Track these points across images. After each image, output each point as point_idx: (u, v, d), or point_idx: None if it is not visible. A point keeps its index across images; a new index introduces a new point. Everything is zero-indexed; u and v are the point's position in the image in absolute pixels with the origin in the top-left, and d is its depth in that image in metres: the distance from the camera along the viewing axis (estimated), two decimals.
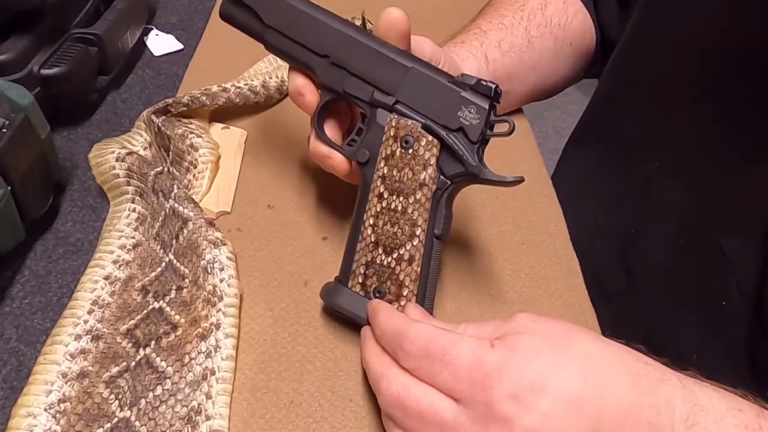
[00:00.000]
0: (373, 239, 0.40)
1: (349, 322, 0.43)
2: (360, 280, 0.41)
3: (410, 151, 0.40)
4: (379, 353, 0.36)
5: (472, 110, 0.40)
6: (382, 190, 0.41)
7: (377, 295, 0.40)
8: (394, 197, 0.40)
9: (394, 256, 0.40)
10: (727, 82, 0.48)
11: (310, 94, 0.44)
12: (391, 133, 0.41)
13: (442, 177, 0.41)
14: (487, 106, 0.40)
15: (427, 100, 0.41)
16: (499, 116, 0.41)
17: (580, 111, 0.66)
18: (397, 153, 0.41)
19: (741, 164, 0.47)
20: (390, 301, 0.40)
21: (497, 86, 0.40)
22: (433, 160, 0.40)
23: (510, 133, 0.40)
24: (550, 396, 0.30)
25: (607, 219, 0.58)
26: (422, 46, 0.44)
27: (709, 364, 0.45)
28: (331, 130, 0.45)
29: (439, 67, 0.44)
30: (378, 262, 0.40)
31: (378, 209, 0.40)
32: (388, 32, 0.42)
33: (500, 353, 0.32)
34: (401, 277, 0.40)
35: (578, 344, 0.33)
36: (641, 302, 0.54)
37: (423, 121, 0.41)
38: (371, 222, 0.41)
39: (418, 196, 0.40)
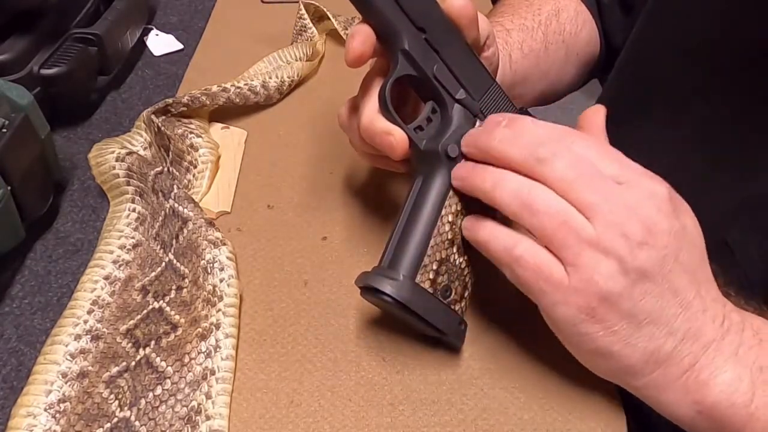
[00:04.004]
0: (449, 237, 0.40)
1: (348, 321, 0.43)
2: (431, 276, 0.40)
3: None
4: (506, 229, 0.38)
5: None
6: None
7: (446, 293, 0.40)
8: (473, 201, 0.40)
9: (466, 257, 0.41)
10: (736, 79, 0.48)
11: (371, 49, 0.39)
12: None
13: None
14: None
15: None
16: None
17: (580, 111, 0.67)
18: None
19: (751, 158, 0.47)
20: (454, 301, 0.40)
21: None
22: None
23: None
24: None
25: None
26: (481, 23, 0.43)
27: None
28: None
29: (488, 47, 0.44)
30: (451, 260, 0.40)
31: (458, 208, 0.40)
32: (461, 19, 0.40)
33: None
34: (467, 279, 0.41)
35: None
36: None
37: None
38: (450, 219, 0.40)
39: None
